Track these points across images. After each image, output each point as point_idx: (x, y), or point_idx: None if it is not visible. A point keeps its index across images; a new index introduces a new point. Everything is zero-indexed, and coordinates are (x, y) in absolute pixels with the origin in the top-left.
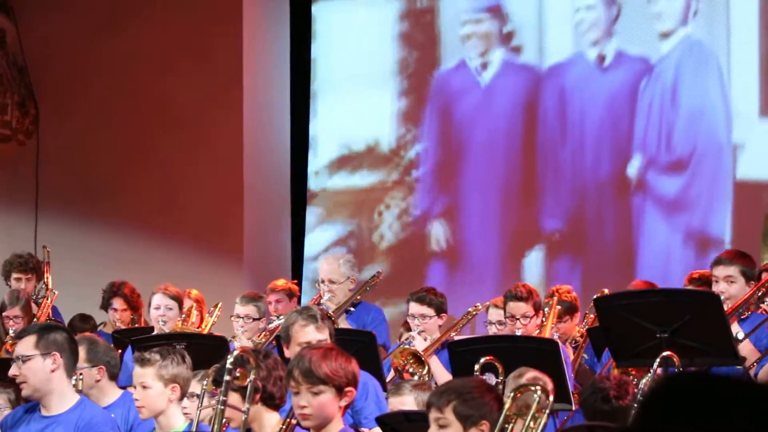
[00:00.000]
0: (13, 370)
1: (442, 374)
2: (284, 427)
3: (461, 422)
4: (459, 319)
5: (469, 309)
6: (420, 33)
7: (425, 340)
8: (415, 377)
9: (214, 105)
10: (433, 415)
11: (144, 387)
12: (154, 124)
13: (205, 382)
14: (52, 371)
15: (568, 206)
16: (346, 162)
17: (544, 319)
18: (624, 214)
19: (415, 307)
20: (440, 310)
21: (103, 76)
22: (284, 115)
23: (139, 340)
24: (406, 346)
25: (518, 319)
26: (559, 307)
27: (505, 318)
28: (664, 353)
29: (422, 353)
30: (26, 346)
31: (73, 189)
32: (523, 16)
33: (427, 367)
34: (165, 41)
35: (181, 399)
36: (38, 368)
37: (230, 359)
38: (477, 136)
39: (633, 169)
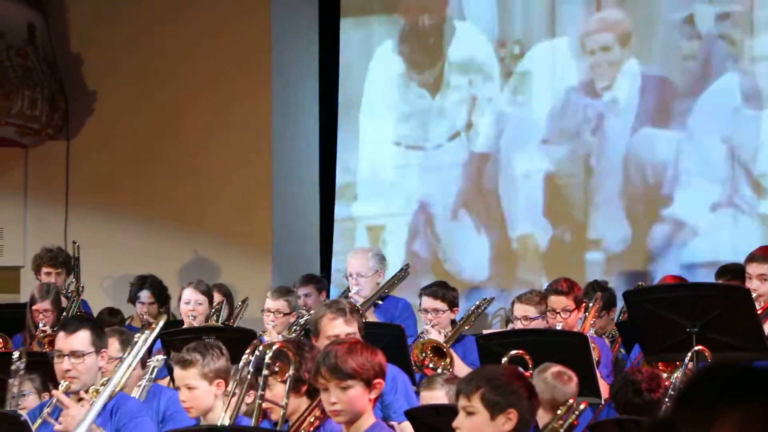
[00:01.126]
0: (65, 365)
1: (461, 367)
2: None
3: (488, 410)
4: (469, 312)
5: (478, 302)
6: None
7: (439, 333)
8: (438, 370)
9: (242, 98)
10: (461, 402)
11: (189, 388)
12: (184, 118)
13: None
14: (100, 368)
15: None
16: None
17: (587, 313)
18: None
19: (427, 302)
20: (452, 304)
21: (132, 70)
22: (313, 105)
23: (169, 334)
24: (422, 339)
25: (559, 312)
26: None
27: (545, 311)
28: (696, 347)
29: (444, 344)
30: (82, 342)
31: (103, 183)
32: None
33: (449, 358)
34: (193, 33)
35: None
36: (92, 365)
37: (269, 353)
38: None
39: None
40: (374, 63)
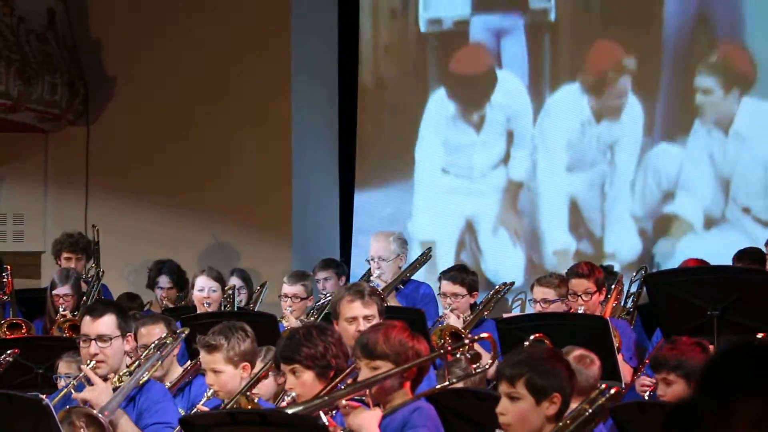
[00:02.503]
0: (93, 349)
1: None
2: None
3: (534, 396)
4: (489, 296)
5: (497, 287)
6: None
7: (458, 318)
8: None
9: (262, 81)
10: (503, 388)
11: (216, 372)
12: (203, 102)
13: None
14: (126, 352)
15: None
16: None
17: (609, 295)
18: None
19: (447, 286)
20: (472, 288)
21: (152, 55)
22: (333, 93)
23: (190, 318)
24: (440, 325)
25: (580, 295)
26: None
27: (566, 295)
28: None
29: (462, 330)
30: (108, 326)
31: (123, 168)
32: None
33: (468, 341)
34: (214, 19)
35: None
36: (119, 349)
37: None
38: None
39: None
40: (430, 104)
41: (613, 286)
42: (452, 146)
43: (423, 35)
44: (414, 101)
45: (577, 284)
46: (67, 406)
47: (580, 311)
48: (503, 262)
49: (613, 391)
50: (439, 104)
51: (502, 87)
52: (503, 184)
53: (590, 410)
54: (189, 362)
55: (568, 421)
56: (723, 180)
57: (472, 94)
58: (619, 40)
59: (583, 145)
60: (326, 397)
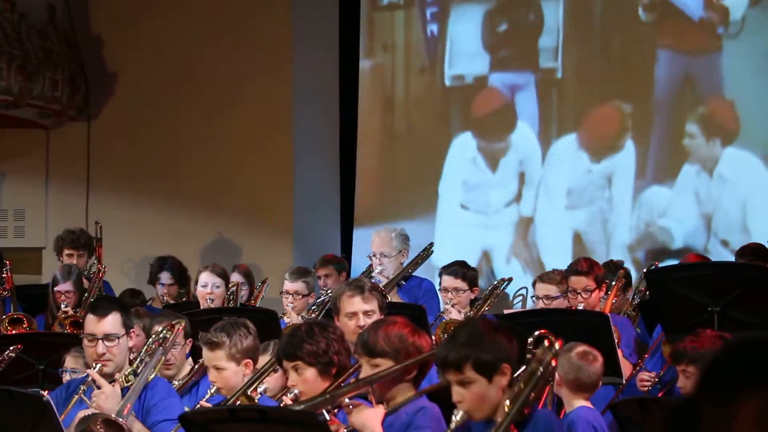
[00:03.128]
0: (100, 349)
1: None
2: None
3: (484, 375)
4: (488, 291)
5: (496, 282)
6: None
7: (459, 312)
8: None
9: (264, 80)
10: (451, 377)
11: (218, 369)
12: (204, 99)
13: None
14: (130, 348)
15: None
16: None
17: (608, 292)
18: None
19: (448, 281)
20: (473, 283)
21: (153, 51)
22: (333, 89)
23: (191, 314)
24: (444, 320)
25: (579, 293)
26: (623, 281)
27: (566, 292)
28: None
29: None
30: (114, 324)
31: (124, 164)
32: None
33: None
34: (215, 17)
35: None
36: (125, 347)
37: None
38: None
39: None
40: (453, 146)
41: (613, 283)
42: (471, 185)
43: (447, 88)
44: (437, 144)
45: (577, 281)
46: (84, 399)
47: (579, 308)
48: (514, 288)
49: (557, 345)
50: (461, 148)
51: (516, 133)
52: (515, 219)
53: (541, 369)
54: (194, 363)
55: (522, 384)
56: (706, 216)
57: (490, 139)
58: (617, 95)
59: (584, 185)
60: (328, 395)
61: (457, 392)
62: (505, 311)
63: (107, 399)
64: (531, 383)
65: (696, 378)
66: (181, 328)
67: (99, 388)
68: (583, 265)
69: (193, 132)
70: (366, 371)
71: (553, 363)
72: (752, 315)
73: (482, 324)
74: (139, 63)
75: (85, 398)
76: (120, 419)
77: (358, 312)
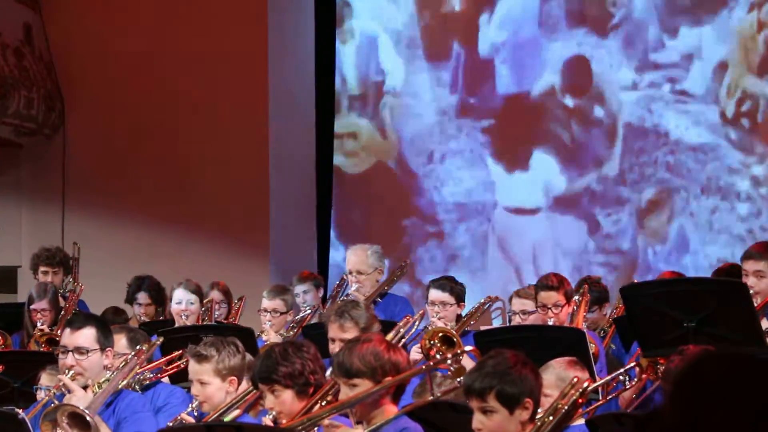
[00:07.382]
0: (69, 360)
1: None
2: None
3: (506, 406)
4: (474, 309)
5: (482, 300)
6: None
7: (445, 326)
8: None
9: (239, 97)
10: (475, 403)
11: (202, 383)
12: (180, 118)
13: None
14: (105, 366)
15: None
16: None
17: (576, 308)
18: None
19: (435, 294)
20: (460, 298)
21: (129, 70)
22: (310, 106)
23: (167, 332)
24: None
25: (549, 308)
26: (588, 296)
27: (536, 307)
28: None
29: (454, 333)
30: (87, 338)
31: (100, 183)
32: None
33: (460, 349)
34: (189, 33)
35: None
36: (96, 362)
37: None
38: None
39: None
40: None
41: (577, 297)
42: None
43: None
44: None
45: (546, 297)
46: (55, 402)
47: (549, 323)
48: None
49: (586, 384)
50: None
51: None
52: None
53: (566, 407)
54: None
55: (548, 419)
56: None
57: None
58: None
59: None
60: (307, 421)
61: (478, 419)
62: (482, 328)
63: (78, 401)
64: (557, 418)
65: (665, 393)
66: (158, 342)
67: (70, 392)
68: (552, 280)
69: (170, 151)
70: (345, 392)
71: (580, 401)
72: (728, 330)
73: (511, 357)
74: (115, 82)
75: (56, 401)
76: (87, 413)
77: (336, 339)
